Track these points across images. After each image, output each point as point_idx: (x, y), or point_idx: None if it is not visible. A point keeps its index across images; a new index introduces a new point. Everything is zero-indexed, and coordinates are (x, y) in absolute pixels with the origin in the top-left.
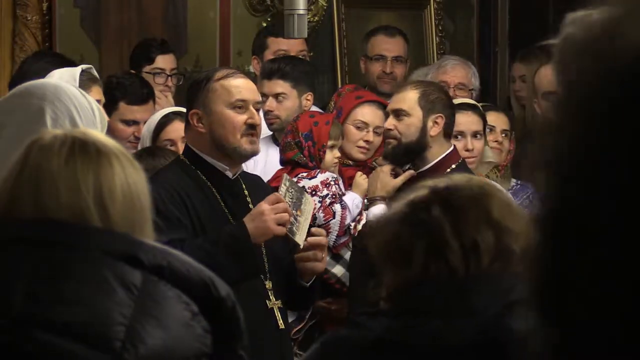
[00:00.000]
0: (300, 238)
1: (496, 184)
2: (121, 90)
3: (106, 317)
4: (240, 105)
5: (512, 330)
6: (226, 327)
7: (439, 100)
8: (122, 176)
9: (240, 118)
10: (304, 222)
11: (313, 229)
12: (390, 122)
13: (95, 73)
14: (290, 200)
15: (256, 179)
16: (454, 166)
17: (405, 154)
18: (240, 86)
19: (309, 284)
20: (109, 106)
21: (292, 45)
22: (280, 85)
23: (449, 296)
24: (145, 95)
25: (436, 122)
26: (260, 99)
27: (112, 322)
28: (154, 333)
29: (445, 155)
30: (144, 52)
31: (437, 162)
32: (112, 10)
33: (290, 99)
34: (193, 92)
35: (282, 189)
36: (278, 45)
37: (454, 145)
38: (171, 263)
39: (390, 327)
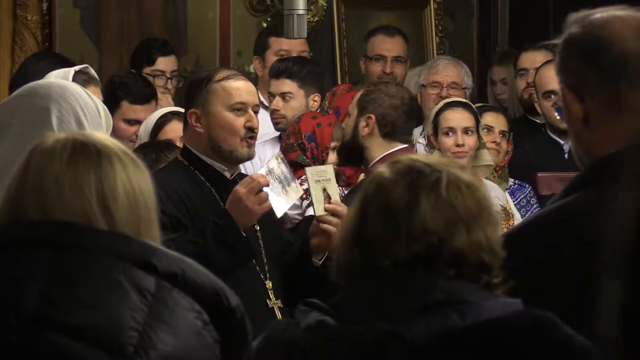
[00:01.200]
0: (278, 209)
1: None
2: (124, 89)
3: (119, 321)
4: (240, 108)
5: (417, 332)
6: (234, 338)
7: (373, 101)
8: (124, 176)
9: (239, 121)
10: (285, 201)
11: (334, 200)
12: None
13: (93, 72)
14: (280, 175)
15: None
16: None
17: (346, 153)
18: (241, 88)
19: (320, 261)
20: (112, 105)
21: (293, 46)
22: (287, 85)
23: (358, 295)
24: (148, 95)
25: (367, 123)
26: (259, 102)
27: (125, 326)
28: (166, 339)
29: (384, 156)
30: (145, 52)
31: (375, 163)
32: (112, 10)
33: (296, 99)
34: (192, 91)
35: (272, 162)
36: (280, 45)
37: (406, 147)
38: (185, 271)
39: (308, 325)
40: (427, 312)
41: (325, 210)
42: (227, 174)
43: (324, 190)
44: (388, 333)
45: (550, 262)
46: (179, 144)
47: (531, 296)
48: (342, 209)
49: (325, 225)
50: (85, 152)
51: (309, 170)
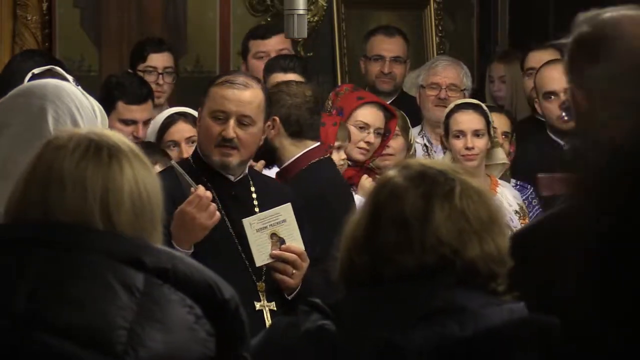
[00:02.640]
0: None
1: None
2: (120, 89)
3: (108, 320)
4: (220, 117)
5: (415, 342)
6: (230, 330)
7: (276, 102)
8: (132, 180)
9: (215, 129)
10: (263, 244)
11: (286, 245)
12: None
13: (60, 71)
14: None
15: (269, 181)
16: (310, 163)
17: (262, 155)
18: (227, 97)
19: (290, 297)
20: (108, 106)
21: (272, 45)
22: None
23: (359, 303)
24: (144, 95)
25: (272, 125)
26: (251, 113)
27: (114, 325)
28: (156, 336)
29: (300, 156)
30: (138, 50)
31: (291, 163)
32: (112, 10)
33: None
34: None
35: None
36: (257, 48)
37: (319, 145)
38: (175, 266)
39: (308, 330)
40: (426, 321)
41: (272, 257)
42: (231, 177)
43: (273, 235)
44: (386, 343)
45: (560, 262)
46: (184, 145)
47: (542, 296)
48: (291, 254)
49: (276, 275)
50: (97, 153)
51: (246, 222)
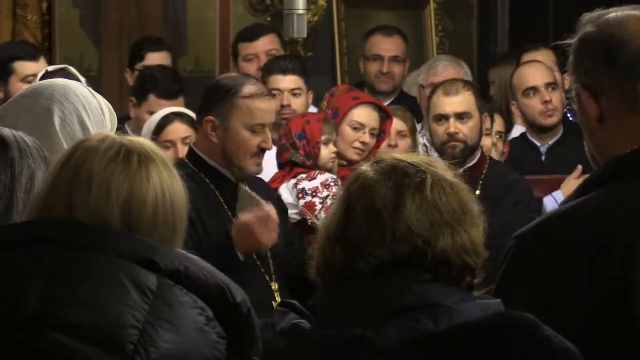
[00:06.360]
0: None
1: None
2: (152, 82)
3: (119, 320)
4: (259, 130)
5: (389, 338)
6: (240, 334)
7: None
8: (159, 191)
9: (255, 141)
10: None
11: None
12: (455, 126)
13: (73, 71)
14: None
15: (259, 181)
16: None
17: (469, 156)
18: (264, 110)
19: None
20: (140, 96)
21: (260, 48)
22: (296, 81)
23: (334, 299)
24: (175, 91)
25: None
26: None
27: (125, 325)
28: (167, 337)
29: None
30: (136, 50)
31: (481, 157)
32: (112, 10)
33: (303, 96)
34: (215, 98)
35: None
36: (246, 50)
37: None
38: (188, 268)
39: (283, 329)
40: (400, 317)
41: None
42: (232, 178)
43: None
44: (359, 338)
45: (563, 262)
46: (180, 145)
47: (542, 296)
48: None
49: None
50: (127, 158)
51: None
